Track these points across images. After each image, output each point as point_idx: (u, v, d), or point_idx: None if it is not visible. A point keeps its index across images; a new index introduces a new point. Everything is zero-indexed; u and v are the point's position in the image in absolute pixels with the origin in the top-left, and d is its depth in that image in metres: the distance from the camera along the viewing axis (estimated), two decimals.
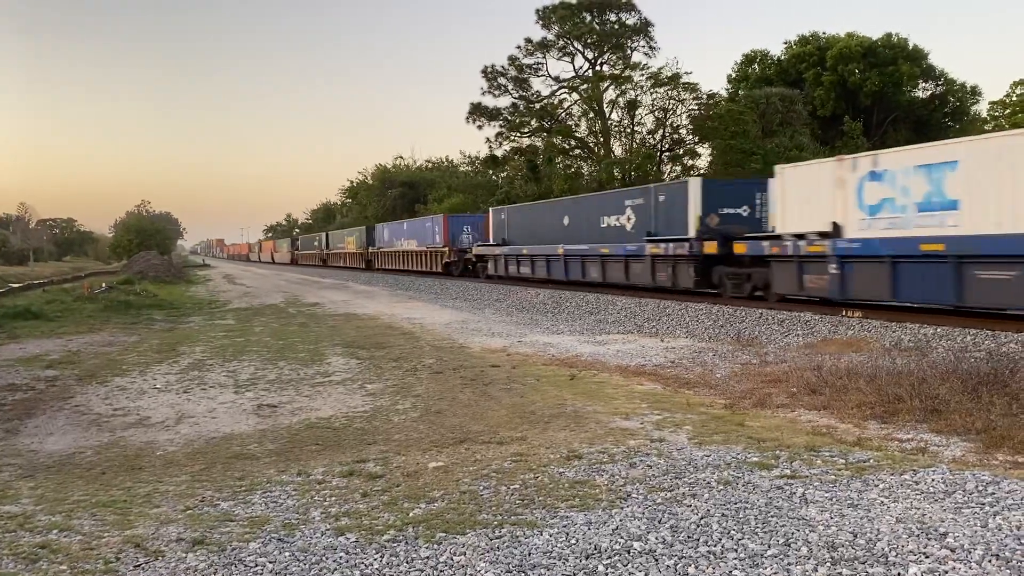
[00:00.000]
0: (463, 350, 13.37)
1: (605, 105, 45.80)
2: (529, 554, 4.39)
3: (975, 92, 49.99)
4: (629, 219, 21.25)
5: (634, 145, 44.83)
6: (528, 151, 47.81)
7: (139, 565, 4.38)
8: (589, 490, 5.49)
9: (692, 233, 18.33)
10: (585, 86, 46.45)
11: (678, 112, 44.08)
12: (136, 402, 9.43)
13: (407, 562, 4.33)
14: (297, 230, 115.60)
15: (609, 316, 18.33)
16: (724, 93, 49.02)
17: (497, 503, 5.26)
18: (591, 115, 46.80)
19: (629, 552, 4.38)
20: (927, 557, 4.19)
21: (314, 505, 5.35)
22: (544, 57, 48.34)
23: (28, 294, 28.31)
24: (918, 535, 4.50)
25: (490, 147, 50.72)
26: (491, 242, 31.17)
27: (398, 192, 64.52)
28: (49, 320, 19.35)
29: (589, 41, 47.02)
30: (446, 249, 35.54)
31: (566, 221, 24.92)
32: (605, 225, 22.47)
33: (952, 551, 4.25)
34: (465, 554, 4.42)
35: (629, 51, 47.19)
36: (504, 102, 49.57)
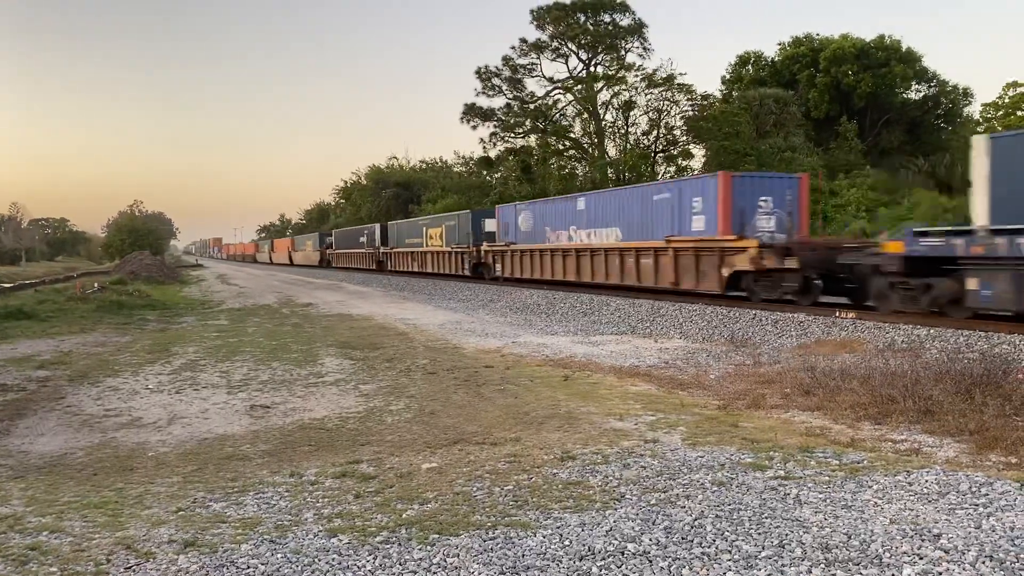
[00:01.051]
0: (457, 351, 13.35)
1: (599, 106, 45.88)
2: (523, 555, 4.38)
3: (967, 94, 50.17)
4: None
5: (628, 146, 44.91)
6: (522, 152, 47.85)
7: (130, 567, 4.35)
8: (583, 491, 5.47)
9: None
10: (579, 87, 46.50)
11: (672, 113, 44.22)
12: (128, 403, 9.39)
13: (400, 563, 4.31)
14: (289, 230, 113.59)
15: (603, 317, 18.32)
16: (718, 94, 49.17)
17: (491, 504, 5.25)
18: (585, 116, 46.89)
19: (623, 553, 4.37)
20: (921, 558, 4.19)
21: (307, 506, 5.32)
22: (538, 58, 48.43)
23: (20, 294, 28.17)
24: (912, 536, 4.50)
25: (484, 148, 50.83)
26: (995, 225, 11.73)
27: (392, 193, 64.44)
28: (41, 320, 19.25)
29: (583, 42, 47.09)
30: (749, 249, 16.74)
31: None
32: None
33: (946, 552, 4.25)
34: (458, 555, 4.40)
35: (623, 52, 47.30)
36: (498, 103, 49.68)
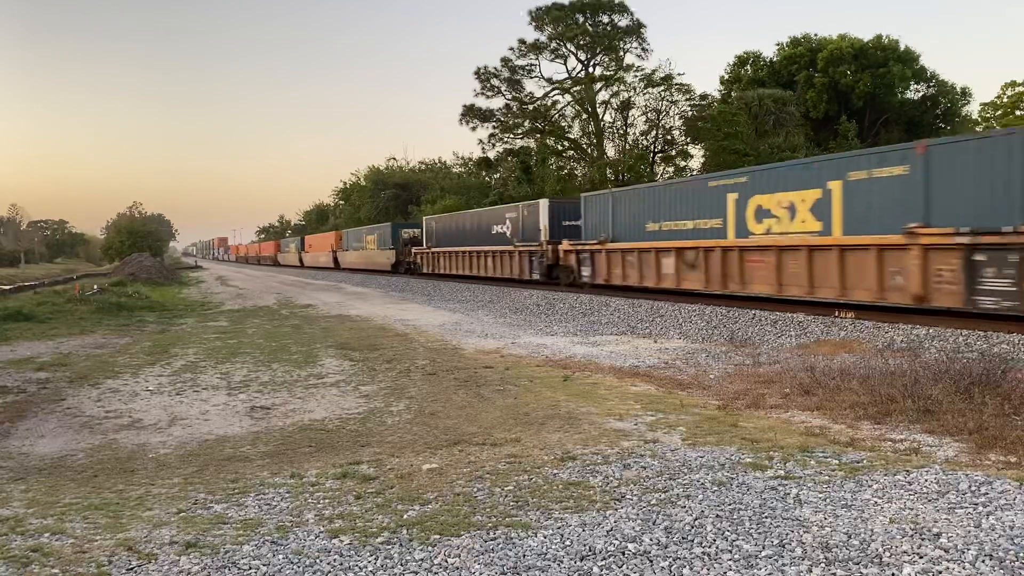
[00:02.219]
0: (456, 351, 13.36)
1: (598, 106, 45.90)
2: (523, 556, 4.39)
3: (966, 94, 50.26)
4: None
5: (627, 146, 44.92)
6: (521, 152, 47.87)
7: (132, 568, 4.36)
8: (583, 491, 5.48)
9: None
10: (578, 87, 46.52)
11: (671, 113, 44.24)
12: (128, 404, 9.39)
13: (401, 564, 4.32)
14: (289, 231, 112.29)
15: (602, 317, 18.33)
16: (716, 94, 49.21)
17: (491, 505, 5.26)
18: (584, 116, 46.91)
19: (624, 554, 4.38)
20: (921, 557, 4.20)
21: (308, 507, 5.33)
22: (537, 59, 48.46)
23: (19, 296, 28.17)
24: (912, 535, 4.51)
25: (483, 148, 50.85)
26: None
27: (391, 193, 64.38)
28: (40, 322, 19.25)
29: (582, 43, 47.12)
30: None
31: None
32: None
33: (946, 551, 4.26)
34: (459, 556, 4.41)
35: (622, 52, 47.35)
36: (497, 103, 49.70)
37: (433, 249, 36.84)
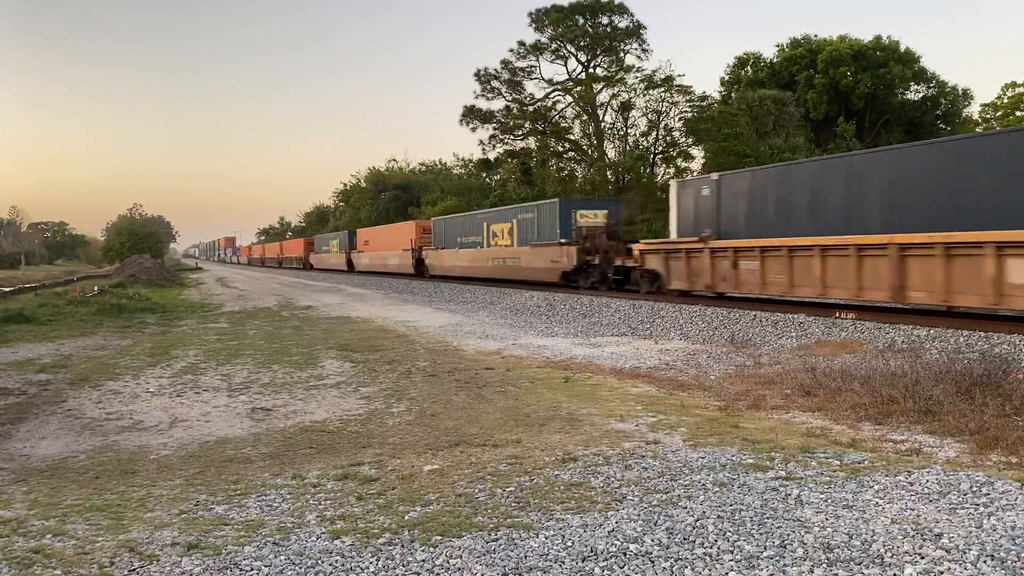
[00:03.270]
0: (457, 353, 13.36)
1: (598, 107, 45.90)
2: (525, 557, 4.39)
3: (967, 95, 50.27)
4: None
5: (627, 147, 44.91)
6: (521, 154, 47.86)
7: (134, 570, 4.36)
8: (585, 492, 5.48)
9: None
10: (578, 88, 46.52)
11: (671, 114, 44.21)
12: (129, 406, 9.39)
13: (403, 565, 4.32)
14: (289, 232, 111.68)
15: (603, 318, 18.33)
16: (717, 96, 49.18)
17: (493, 506, 5.26)
18: (584, 118, 46.90)
19: (625, 554, 4.38)
20: (922, 558, 4.20)
21: (309, 509, 5.33)
22: (537, 60, 48.42)
23: (20, 298, 28.18)
24: (913, 536, 4.51)
25: (483, 150, 50.83)
26: None
27: (391, 195, 64.35)
28: (41, 324, 19.24)
29: (582, 44, 47.11)
30: None
31: None
32: None
33: (947, 552, 4.27)
34: (461, 557, 4.41)
35: (622, 54, 47.34)
36: (497, 105, 49.64)
37: (727, 244, 17.06)
